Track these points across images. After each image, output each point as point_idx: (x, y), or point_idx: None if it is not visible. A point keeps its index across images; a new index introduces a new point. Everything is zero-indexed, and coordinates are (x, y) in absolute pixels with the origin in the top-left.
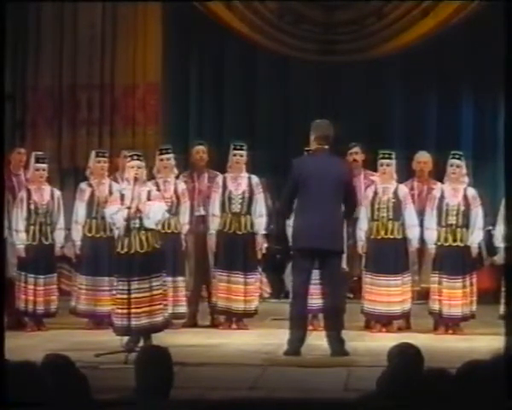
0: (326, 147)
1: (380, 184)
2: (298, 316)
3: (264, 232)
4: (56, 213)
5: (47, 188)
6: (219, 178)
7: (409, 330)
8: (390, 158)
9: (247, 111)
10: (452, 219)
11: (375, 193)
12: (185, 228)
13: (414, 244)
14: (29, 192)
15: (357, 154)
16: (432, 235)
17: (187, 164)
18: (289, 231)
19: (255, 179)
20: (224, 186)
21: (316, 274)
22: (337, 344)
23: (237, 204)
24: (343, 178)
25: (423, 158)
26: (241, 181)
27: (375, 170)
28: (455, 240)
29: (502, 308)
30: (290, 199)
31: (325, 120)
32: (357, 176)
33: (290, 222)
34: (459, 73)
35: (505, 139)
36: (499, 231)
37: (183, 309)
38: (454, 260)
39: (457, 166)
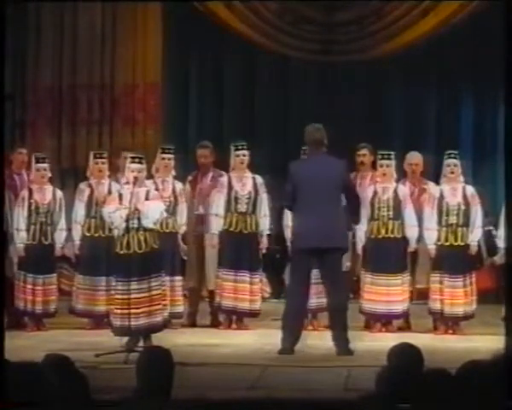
0: (320, 150)
1: (379, 184)
2: (291, 316)
3: (268, 232)
4: (58, 213)
5: (49, 188)
6: (224, 179)
7: (409, 330)
8: (389, 159)
9: (247, 111)
10: (453, 219)
11: (375, 192)
12: (182, 228)
13: (412, 244)
14: (31, 192)
15: (364, 156)
16: (432, 235)
17: (187, 164)
18: (287, 231)
19: (259, 179)
20: (230, 186)
21: (314, 273)
22: (343, 343)
23: (243, 204)
24: (340, 177)
25: (415, 160)
26: (245, 181)
27: (375, 169)
28: (456, 239)
29: (504, 310)
30: (293, 199)
31: (316, 124)
32: (365, 178)
33: (288, 222)
34: (459, 73)
35: (505, 139)
36: (501, 231)
37: (180, 309)
38: (455, 260)
39: (455, 166)
